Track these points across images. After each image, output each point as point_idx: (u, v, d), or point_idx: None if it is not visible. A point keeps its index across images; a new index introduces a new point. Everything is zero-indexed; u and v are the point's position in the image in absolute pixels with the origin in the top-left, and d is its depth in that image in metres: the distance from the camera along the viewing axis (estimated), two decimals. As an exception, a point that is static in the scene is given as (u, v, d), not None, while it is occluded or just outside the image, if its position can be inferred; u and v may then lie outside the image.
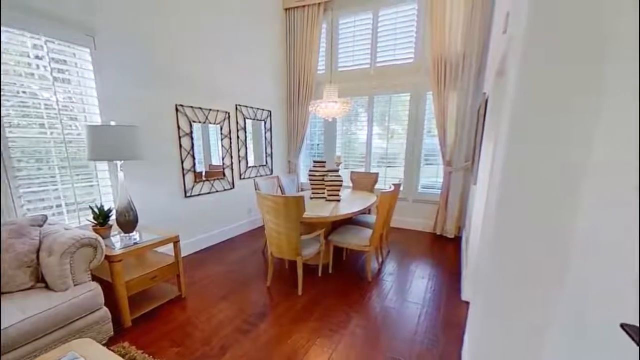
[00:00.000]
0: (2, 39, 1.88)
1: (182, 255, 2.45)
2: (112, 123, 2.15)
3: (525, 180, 1.16)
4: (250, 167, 4.10)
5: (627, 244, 0.75)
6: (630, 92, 0.82)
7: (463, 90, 3.53)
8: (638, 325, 0.50)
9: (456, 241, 3.81)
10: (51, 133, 2.17)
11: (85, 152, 2.23)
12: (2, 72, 1.88)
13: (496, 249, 1.29)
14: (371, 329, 2.04)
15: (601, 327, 0.80)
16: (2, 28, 1.85)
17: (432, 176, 4.19)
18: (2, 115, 1.92)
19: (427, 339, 1.94)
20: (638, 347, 0.59)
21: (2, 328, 1.35)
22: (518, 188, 1.19)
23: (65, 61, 2.23)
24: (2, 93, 1.92)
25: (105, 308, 1.80)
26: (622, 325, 0.68)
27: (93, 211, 2.11)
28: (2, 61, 1.87)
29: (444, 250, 3.54)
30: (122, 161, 2.13)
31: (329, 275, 2.82)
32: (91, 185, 2.43)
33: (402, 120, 4.21)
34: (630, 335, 0.65)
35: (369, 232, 2.81)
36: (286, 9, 4.44)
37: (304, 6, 4.29)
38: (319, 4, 4.19)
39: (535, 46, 1.07)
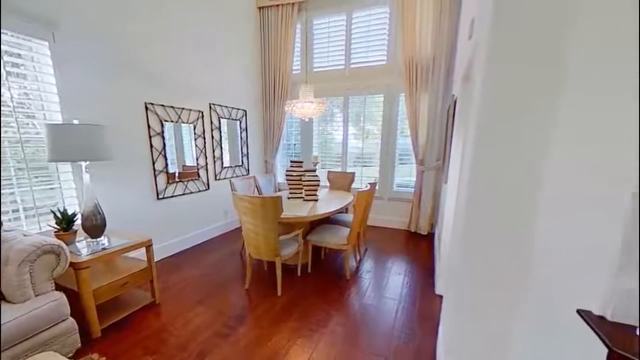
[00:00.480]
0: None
1: (156, 260, 2.36)
2: (75, 122, 2.02)
3: (493, 181, 1.24)
4: (225, 167, 4.01)
5: (588, 244, 0.83)
6: (588, 92, 0.89)
7: (433, 92, 3.67)
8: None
9: (429, 237, 3.96)
10: (5, 132, 2.00)
11: (45, 152, 2.08)
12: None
13: (466, 247, 1.35)
14: (351, 326, 2.08)
15: (564, 322, 0.87)
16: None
17: (406, 175, 4.32)
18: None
19: (404, 333, 2.01)
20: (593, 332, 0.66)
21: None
22: (486, 189, 1.26)
23: (20, 55, 2.06)
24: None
25: (71, 319, 1.69)
26: (578, 311, 0.75)
27: (55, 216, 1.97)
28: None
29: (418, 246, 3.67)
30: (88, 162, 2.01)
31: (308, 274, 2.83)
32: (52, 188, 2.27)
33: (377, 121, 4.31)
34: (584, 320, 0.72)
35: (347, 230, 2.85)
36: (260, 8, 4.39)
37: (277, 5, 4.26)
38: (293, 4, 4.18)
39: (500, 51, 1.15)
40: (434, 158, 3.89)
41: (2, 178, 1.99)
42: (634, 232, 0.65)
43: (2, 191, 1.99)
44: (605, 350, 0.60)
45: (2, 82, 1.95)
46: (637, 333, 0.61)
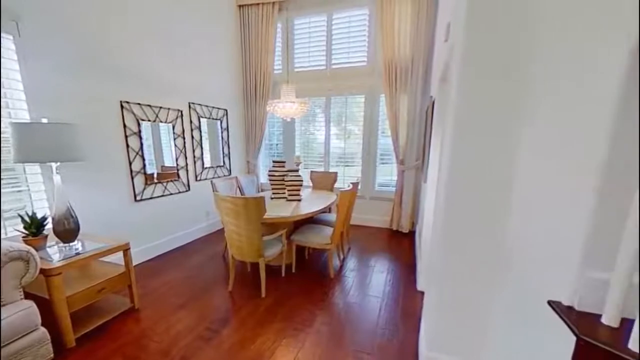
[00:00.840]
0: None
1: (135, 264, 2.28)
2: (44, 120, 1.91)
3: (470, 180, 1.29)
4: (206, 168, 3.92)
5: (558, 238, 0.88)
6: (556, 94, 0.95)
7: (412, 93, 3.76)
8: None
9: (410, 235, 4.06)
10: (-34, 132, 1.87)
11: (10, 153, 1.96)
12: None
13: (446, 244, 1.40)
14: (335, 325, 2.10)
15: (538, 313, 0.92)
16: None
17: (387, 175, 4.40)
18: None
19: (388, 329, 2.05)
20: (563, 322, 0.71)
21: None
22: (463, 187, 1.31)
23: (-18, 49, 1.93)
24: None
25: (42, 328, 1.61)
26: (549, 302, 0.80)
27: (24, 220, 1.87)
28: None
29: (400, 244, 3.75)
30: (58, 163, 1.91)
31: (292, 275, 2.83)
32: (19, 191, 2.14)
33: (358, 121, 4.36)
34: (554, 310, 0.76)
35: (330, 230, 2.87)
36: (240, 6, 4.33)
37: (258, 4, 4.21)
38: (273, 3, 4.15)
39: (473, 53, 1.20)
40: (413, 158, 3.98)
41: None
42: (596, 225, 0.70)
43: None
44: (575, 338, 0.65)
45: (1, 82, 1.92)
46: (602, 321, 0.66)
